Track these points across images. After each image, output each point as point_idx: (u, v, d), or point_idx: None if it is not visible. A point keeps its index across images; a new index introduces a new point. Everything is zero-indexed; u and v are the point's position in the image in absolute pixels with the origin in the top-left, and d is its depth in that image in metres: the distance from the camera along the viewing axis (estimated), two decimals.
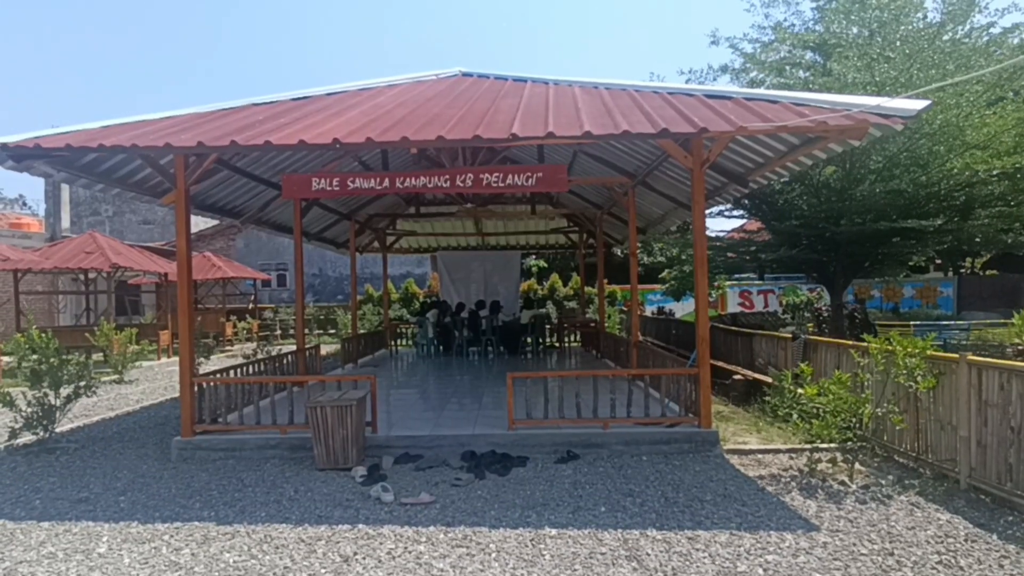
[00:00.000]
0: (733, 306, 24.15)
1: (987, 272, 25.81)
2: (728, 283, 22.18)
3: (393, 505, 4.98)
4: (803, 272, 16.89)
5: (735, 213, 15.85)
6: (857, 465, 5.61)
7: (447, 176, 5.42)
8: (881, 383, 5.39)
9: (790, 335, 8.42)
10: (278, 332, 22.63)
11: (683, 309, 23.72)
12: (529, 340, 14.83)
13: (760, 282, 24.84)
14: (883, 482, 5.33)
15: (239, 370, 7.85)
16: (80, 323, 16.84)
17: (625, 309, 23.12)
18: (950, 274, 25.24)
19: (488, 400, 8.37)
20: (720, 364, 10.26)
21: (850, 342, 6.98)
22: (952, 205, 11.86)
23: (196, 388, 6.68)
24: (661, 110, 5.69)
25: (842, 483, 5.30)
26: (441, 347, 15.14)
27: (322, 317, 23.14)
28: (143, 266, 15.15)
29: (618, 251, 27.17)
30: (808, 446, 6.34)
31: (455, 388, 9.63)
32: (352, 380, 6.77)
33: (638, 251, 28.26)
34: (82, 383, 7.53)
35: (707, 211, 12.70)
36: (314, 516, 4.79)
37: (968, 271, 25.71)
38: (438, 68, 9.73)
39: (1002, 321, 14.84)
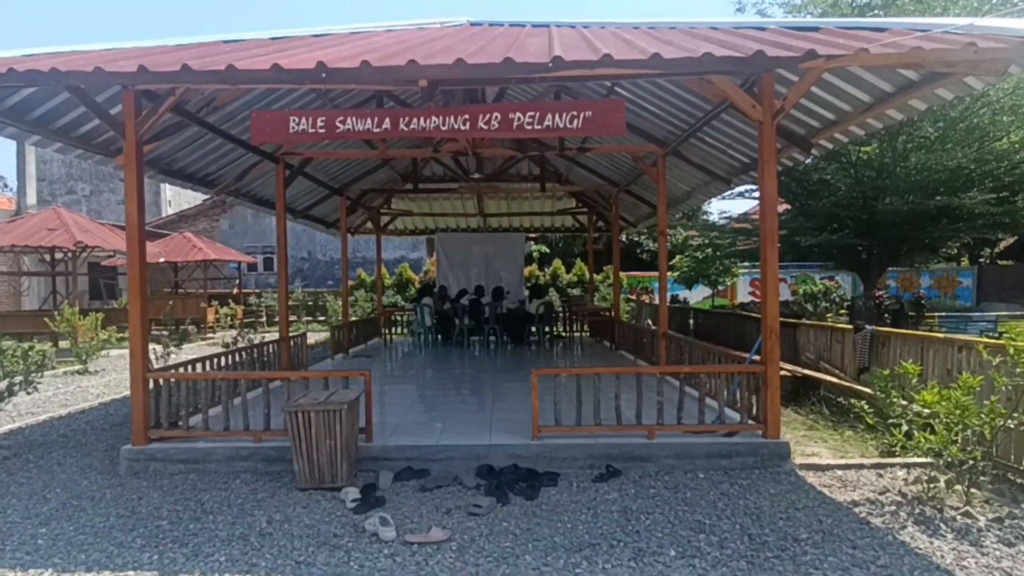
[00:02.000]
0: (743, 295, 23.08)
1: (1002, 262, 24.87)
2: (741, 271, 21.04)
3: (395, 545, 3.81)
4: (833, 259, 15.70)
5: (756, 194, 14.72)
6: (972, 488, 4.50)
7: (466, 116, 4.20)
8: (1019, 387, 4.26)
9: (851, 326, 7.29)
10: (264, 318, 21.35)
11: (693, 297, 22.65)
12: (535, 330, 13.69)
13: None
14: (1017, 512, 4.21)
15: (209, 362, 6.63)
16: (46, 308, 15.50)
17: (632, 297, 22.00)
18: (964, 263, 24.30)
19: (500, 400, 7.20)
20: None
21: (940, 334, 5.86)
22: (1008, 183, 10.77)
23: (151, 385, 5.47)
24: (737, 41, 4.49)
25: (964, 514, 4.18)
26: (439, 336, 13.97)
27: (311, 303, 21.86)
28: (113, 245, 13.82)
29: (623, 237, 26.04)
30: (896, 461, 5.24)
31: (460, 384, 8.45)
32: (342, 376, 5.56)
33: (644, 237, 27.13)
34: (17, 378, 6.28)
35: (726, 192, 11.63)
36: (291, 562, 3.62)
37: (987, 261, 24.74)
38: (442, 17, 8.46)
39: None
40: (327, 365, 10.56)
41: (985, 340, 4.94)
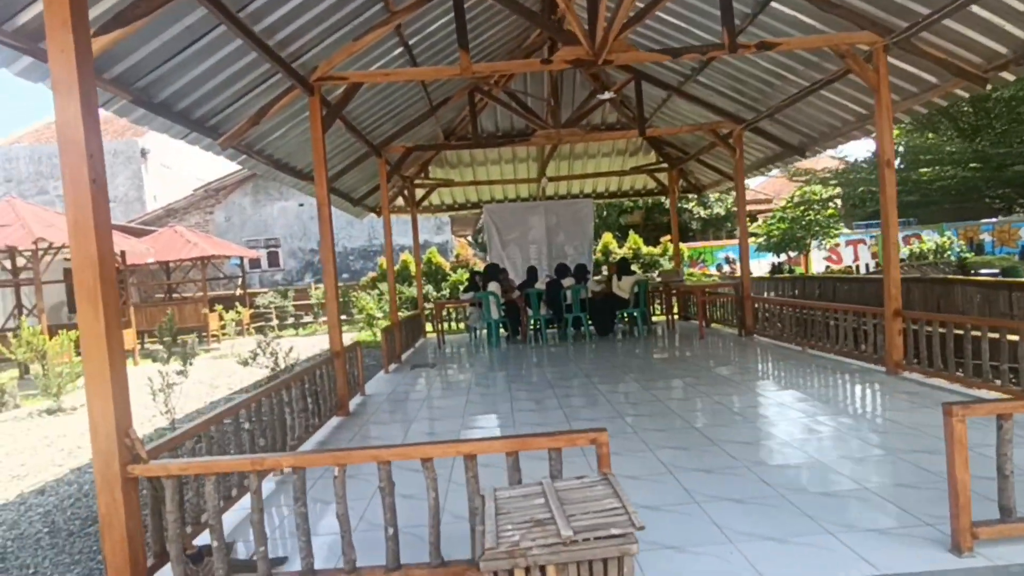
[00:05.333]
0: (818, 262, 20.26)
1: None
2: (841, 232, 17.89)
3: None
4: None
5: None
6: None
7: None
8: None
9: None
10: (274, 322, 18.46)
11: (760, 269, 19.87)
12: (626, 317, 10.90)
13: (847, 231, 20.97)
14: None
15: (246, 414, 3.78)
16: (10, 327, 12.55)
17: (727, 268, 19.17)
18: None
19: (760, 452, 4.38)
20: None
21: None
22: None
23: (145, 490, 2.65)
24: None
25: None
26: (506, 332, 11.17)
27: (342, 300, 18.90)
28: None
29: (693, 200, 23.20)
30: None
31: (672, 425, 5.61)
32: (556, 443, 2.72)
33: (693, 204, 24.20)
34: None
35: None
36: None
37: None
38: None
39: None
40: (388, 384, 7.72)
41: None
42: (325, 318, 18.68)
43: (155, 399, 6.39)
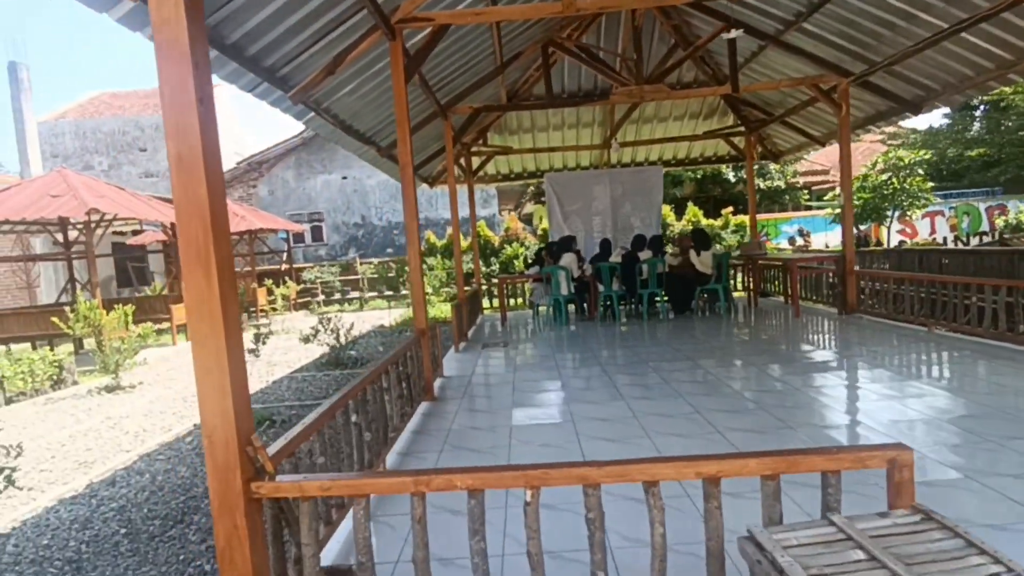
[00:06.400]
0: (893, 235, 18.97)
1: None
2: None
3: None
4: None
5: None
6: None
7: None
8: None
9: None
10: (320, 297, 18.09)
11: (821, 241, 18.72)
12: (705, 294, 10.08)
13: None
14: None
15: (342, 409, 3.17)
16: (64, 301, 12.34)
17: (800, 240, 18.11)
18: None
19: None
20: None
21: None
22: None
23: (268, 514, 2.05)
24: None
25: None
26: (574, 309, 10.48)
27: (391, 275, 18.45)
28: (137, 212, 10.47)
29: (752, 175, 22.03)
30: None
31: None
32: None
33: (742, 176, 23.09)
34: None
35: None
36: None
37: None
38: None
39: None
40: (462, 364, 7.12)
41: None
42: (373, 293, 18.28)
43: None
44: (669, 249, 10.45)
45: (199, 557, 3.27)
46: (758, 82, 9.61)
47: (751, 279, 10.83)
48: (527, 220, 26.48)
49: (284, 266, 18.90)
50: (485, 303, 12.32)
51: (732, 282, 11.27)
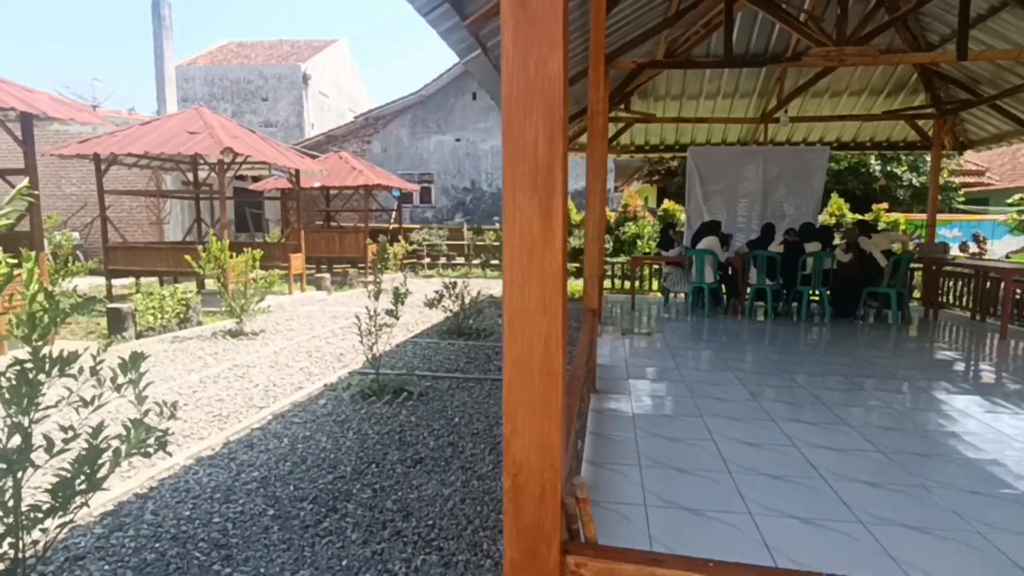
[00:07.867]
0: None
1: None
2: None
3: None
4: None
5: None
6: None
7: None
8: None
9: None
10: (426, 260, 17.80)
11: (995, 249, 16.38)
12: (876, 296, 8.68)
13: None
14: None
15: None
16: (189, 240, 12.55)
17: (974, 247, 16.08)
18: None
19: None
20: None
21: None
22: None
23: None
24: None
25: None
26: (715, 302, 9.37)
27: (497, 244, 17.93)
28: (268, 157, 10.28)
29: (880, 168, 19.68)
30: None
31: None
32: None
33: (903, 169, 20.54)
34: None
35: None
36: None
37: None
38: None
39: None
40: (607, 351, 6.29)
41: None
42: (478, 261, 17.78)
43: (363, 342, 5.36)
44: (838, 241, 9.11)
45: (365, 568, 2.66)
46: (987, 50, 7.98)
47: (929, 287, 9.29)
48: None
49: (393, 225, 18.72)
50: (609, 283, 11.44)
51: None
